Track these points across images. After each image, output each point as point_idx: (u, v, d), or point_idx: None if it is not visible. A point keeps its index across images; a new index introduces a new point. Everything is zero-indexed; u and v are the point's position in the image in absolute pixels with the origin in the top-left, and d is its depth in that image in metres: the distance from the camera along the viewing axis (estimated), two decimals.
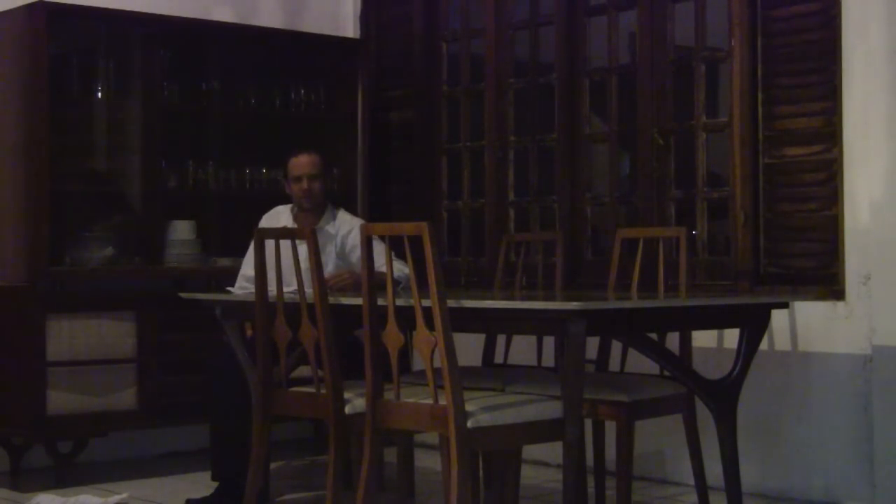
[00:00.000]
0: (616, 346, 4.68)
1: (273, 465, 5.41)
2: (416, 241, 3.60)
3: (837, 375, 4.79)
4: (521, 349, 5.07)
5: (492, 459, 4.34)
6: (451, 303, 3.62)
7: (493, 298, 4.06)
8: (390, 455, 4.89)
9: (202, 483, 5.36)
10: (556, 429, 3.70)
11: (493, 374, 4.50)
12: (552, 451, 3.91)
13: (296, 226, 5.05)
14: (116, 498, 4.81)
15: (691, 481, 4.53)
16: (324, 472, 4.91)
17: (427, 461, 5.24)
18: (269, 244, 4.22)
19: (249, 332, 4.73)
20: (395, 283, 4.00)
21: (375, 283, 3.79)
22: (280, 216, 5.22)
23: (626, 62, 5.83)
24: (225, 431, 4.88)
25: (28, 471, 5.55)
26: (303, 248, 4.08)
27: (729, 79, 5.23)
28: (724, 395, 4.13)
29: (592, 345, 4.42)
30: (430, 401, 3.68)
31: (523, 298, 4.09)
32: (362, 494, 3.89)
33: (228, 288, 4.98)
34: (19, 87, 5.56)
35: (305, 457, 5.98)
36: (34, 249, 5.41)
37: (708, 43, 5.43)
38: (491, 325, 4.14)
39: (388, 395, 3.83)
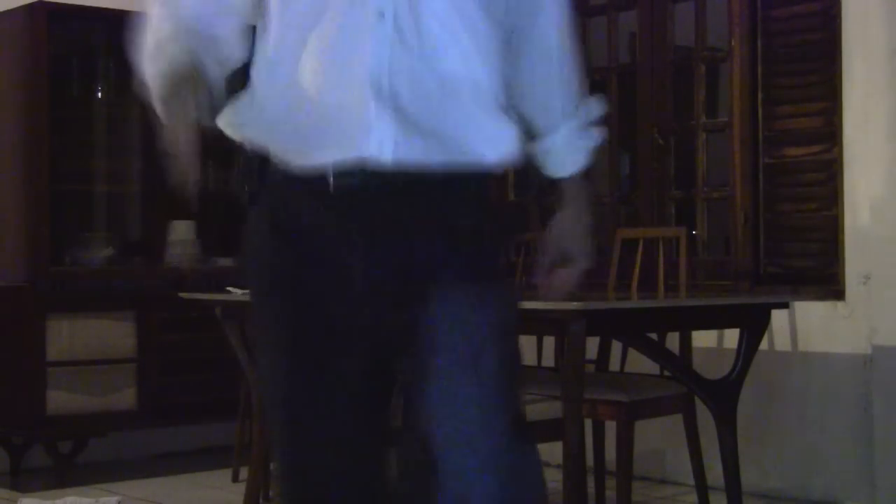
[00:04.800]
0: (616, 346, 4.68)
1: (272, 465, 5.41)
2: None
3: (837, 375, 4.79)
4: (521, 349, 5.06)
5: None
6: None
7: None
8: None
9: (202, 483, 5.36)
10: (556, 429, 3.69)
11: None
12: (552, 451, 3.91)
13: None
14: (108, 502, 4.80)
15: (691, 481, 4.53)
16: None
17: None
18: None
19: None
20: None
21: None
22: None
23: (625, 62, 5.84)
24: None
25: (28, 471, 5.55)
26: None
27: (729, 79, 5.23)
28: (724, 395, 4.13)
29: (592, 345, 4.42)
30: None
31: (523, 298, 4.08)
32: None
33: (229, 288, 4.97)
34: (19, 87, 5.56)
35: None
36: (34, 249, 5.41)
37: (708, 43, 5.43)
38: None
39: None
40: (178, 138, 2.10)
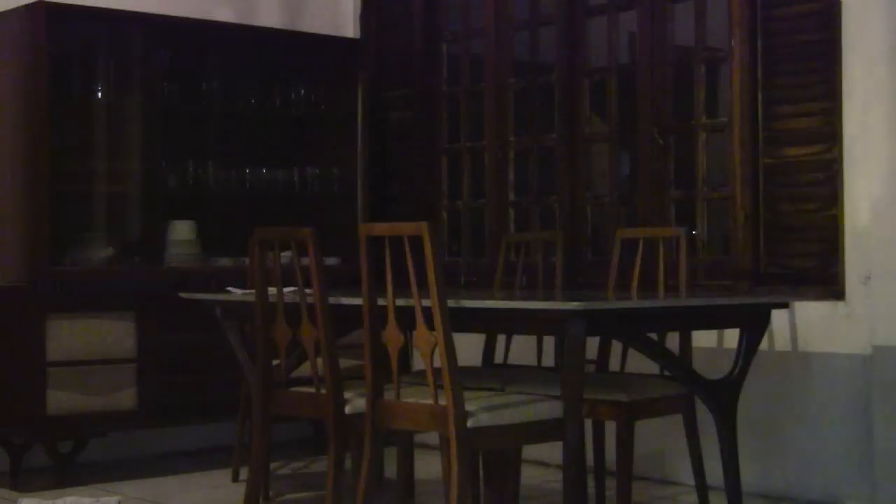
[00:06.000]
0: (616, 346, 4.68)
1: (273, 465, 5.41)
2: (416, 241, 3.60)
3: (837, 375, 4.79)
4: (522, 349, 5.07)
5: (492, 459, 4.34)
6: (451, 303, 3.62)
7: (492, 298, 4.06)
8: (390, 455, 4.89)
9: (202, 483, 5.36)
10: (556, 429, 3.69)
11: (493, 373, 4.50)
12: (552, 451, 3.91)
13: None
14: (108, 502, 4.80)
15: (691, 481, 4.53)
16: (324, 472, 4.91)
17: (427, 461, 5.24)
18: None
19: None
20: None
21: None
22: None
23: (625, 62, 5.84)
24: None
25: (28, 471, 5.55)
26: None
27: (729, 79, 5.22)
28: (724, 395, 4.13)
29: (592, 345, 4.42)
30: (430, 401, 3.68)
31: (523, 298, 4.09)
32: (362, 494, 3.89)
33: (228, 288, 4.98)
34: (19, 87, 5.55)
35: (305, 457, 5.98)
36: (34, 249, 5.41)
37: (708, 43, 5.43)
38: (491, 324, 4.14)
39: (388, 394, 3.83)
40: None
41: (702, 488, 4.46)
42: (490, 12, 6.19)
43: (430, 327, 3.60)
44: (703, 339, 4.92)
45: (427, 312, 3.60)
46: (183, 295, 4.79)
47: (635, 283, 4.76)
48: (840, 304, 4.79)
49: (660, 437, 5.10)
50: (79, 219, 5.79)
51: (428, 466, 5.16)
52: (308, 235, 4.05)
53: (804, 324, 4.90)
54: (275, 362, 4.35)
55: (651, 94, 5.50)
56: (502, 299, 4.00)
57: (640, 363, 4.52)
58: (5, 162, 5.61)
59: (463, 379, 3.61)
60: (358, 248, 3.83)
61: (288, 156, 6.43)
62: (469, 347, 4.40)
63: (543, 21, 6.05)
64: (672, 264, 4.78)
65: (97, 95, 5.83)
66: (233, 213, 6.20)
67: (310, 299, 4.08)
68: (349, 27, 6.79)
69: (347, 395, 4.09)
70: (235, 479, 5.33)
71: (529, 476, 5.05)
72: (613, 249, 4.95)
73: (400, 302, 3.74)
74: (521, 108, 6.16)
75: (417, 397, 3.79)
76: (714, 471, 4.40)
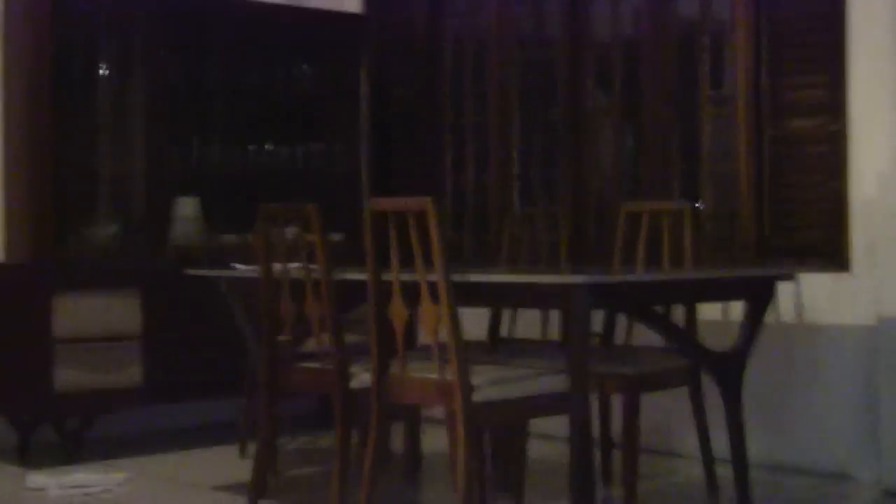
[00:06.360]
0: (621, 320, 4.68)
1: (279, 441, 5.42)
2: (420, 217, 3.59)
3: (843, 347, 4.79)
4: (527, 323, 5.07)
5: (499, 433, 4.35)
6: (456, 277, 3.61)
7: (497, 272, 4.06)
8: (397, 430, 4.90)
9: (208, 459, 5.38)
10: (562, 402, 3.70)
11: (499, 348, 4.50)
12: (558, 424, 3.91)
13: None
14: (115, 479, 4.81)
15: (697, 454, 4.54)
16: (330, 447, 4.91)
17: (434, 436, 5.25)
18: None
19: None
20: None
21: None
22: None
23: (630, 35, 5.82)
24: None
25: (36, 447, 5.56)
26: None
27: (734, 51, 5.21)
28: (730, 368, 4.13)
29: (598, 318, 4.42)
30: (435, 375, 3.68)
31: (528, 272, 4.08)
32: (368, 469, 3.90)
33: (233, 264, 4.98)
34: (24, 68, 5.55)
35: (312, 432, 5.99)
36: (39, 227, 5.42)
37: (713, 15, 5.41)
38: (496, 299, 4.14)
39: (394, 369, 3.84)
40: None
41: (708, 461, 4.46)
42: None
43: (436, 302, 3.60)
44: (708, 311, 4.92)
45: (432, 287, 3.60)
46: (188, 271, 4.79)
47: (640, 257, 4.76)
48: (846, 275, 4.78)
49: (666, 410, 5.10)
50: (84, 196, 5.79)
51: (434, 441, 5.17)
52: (312, 211, 4.05)
53: (810, 296, 4.90)
54: (280, 338, 4.35)
55: (655, 68, 5.48)
56: (507, 273, 4.00)
57: (645, 336, 4.52)
58: (10, 140, 5.61)
59: (468, 353, 3.61)
60: (362, 224, 3.83)
61: (292, 132, 6.43)
62: (474, 322, 4.40)
63: None
64: (677, 238, 4.77)
65: (101, 74, 5.83)
66: (237, 190, 6.20)
67: (315, 275, 4.08)
68: (353, 3, 6.77)
69: (353, 370, 4.09)
70: (242, 454, 5.35)
71: (536, 449, 5.06)
72: (618, 224, 4.95)
73: (405, 277, 3.74)
74: (524, 82, 6.15)
75: (423, 372, 3.80)
76: (720, 443, 4.40)
